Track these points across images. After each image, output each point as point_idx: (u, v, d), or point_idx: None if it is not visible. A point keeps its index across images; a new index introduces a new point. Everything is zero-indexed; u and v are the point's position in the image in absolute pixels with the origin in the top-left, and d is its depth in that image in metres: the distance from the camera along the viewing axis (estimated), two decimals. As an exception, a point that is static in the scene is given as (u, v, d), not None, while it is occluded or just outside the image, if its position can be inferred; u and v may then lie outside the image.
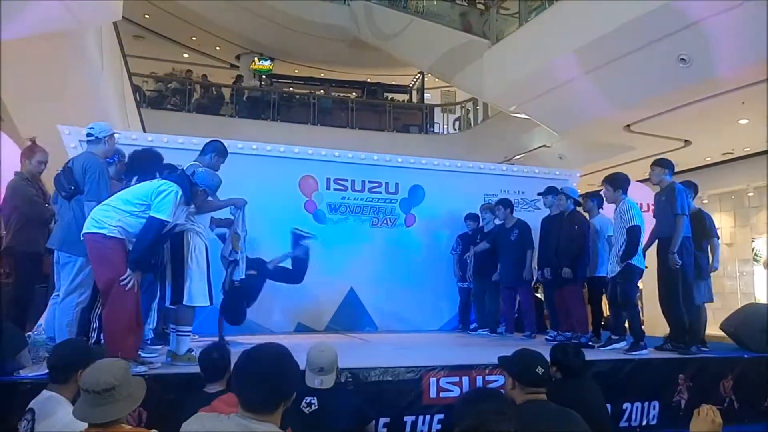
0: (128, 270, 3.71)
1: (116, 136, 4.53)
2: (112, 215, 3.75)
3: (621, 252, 5.14)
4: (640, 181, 9.47)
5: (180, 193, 3.85)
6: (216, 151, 4.61)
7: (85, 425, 2.16)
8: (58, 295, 4.12)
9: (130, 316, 3.75)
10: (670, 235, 5.12)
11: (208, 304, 4.27)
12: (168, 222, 3.80)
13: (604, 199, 5.62)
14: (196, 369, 3.40)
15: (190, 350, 4.15)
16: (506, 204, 6.73)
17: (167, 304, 4.30)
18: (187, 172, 4.20)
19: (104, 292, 3.75)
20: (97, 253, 3.77)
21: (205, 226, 4.63)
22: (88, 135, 4.26)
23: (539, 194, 6.54)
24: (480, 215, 7.07)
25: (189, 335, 4.25)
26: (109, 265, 3.73)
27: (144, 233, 3.75)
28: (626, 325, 5.48)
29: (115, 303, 3.69)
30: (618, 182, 5.38)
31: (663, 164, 5.41)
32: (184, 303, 4.15)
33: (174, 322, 4.25)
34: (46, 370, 2.88)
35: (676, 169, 5.56)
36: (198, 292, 4.14)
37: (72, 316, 3.96)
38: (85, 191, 4.05)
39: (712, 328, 6.05)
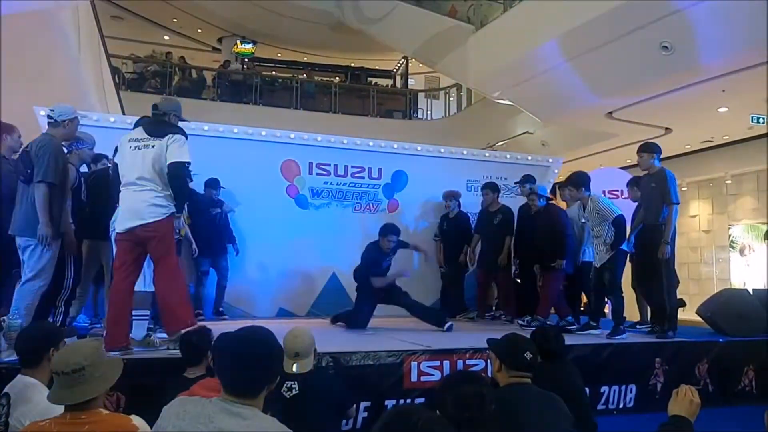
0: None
1: (79, 119, 4.33)
2: (166, 196, 3.88)
3: (610, 242, 5.17)
4: (623, 168, 9.55)
5: (186, 138, 3.94)
6: None
7: (62, 409, 2.13)
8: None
9: (187, 288, 4.17)
10: (656, 222, 5.12)
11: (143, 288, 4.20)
12: (189, 163, 3.90)
13: (569, 198, 5.67)
14: (177, 353, 3.39)
15: (148, 335, 4.12)
16: (493, 188, 6.73)
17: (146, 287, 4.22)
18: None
19: (167, 267, 3.89)
20: (169, 235, 3.94)
21: None
22: (48, 117, 4.11)
23: (516, 183, 6.59)
24: (444, 203, 7.08)
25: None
26: (173, 243, 4.01)
27: (180, 183, 3.87)
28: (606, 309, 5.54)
29: (175, 278, 3.92)
30: (581, 181, 5.47)
31: (651, 149, 5.29)
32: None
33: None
34: (21, 355, 2.84)
35: (657, 157, 5.54)
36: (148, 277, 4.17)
37: (32, 300, 3.86)
38: (34, 171, 3.91)
39: (689, 313, 6.14)
